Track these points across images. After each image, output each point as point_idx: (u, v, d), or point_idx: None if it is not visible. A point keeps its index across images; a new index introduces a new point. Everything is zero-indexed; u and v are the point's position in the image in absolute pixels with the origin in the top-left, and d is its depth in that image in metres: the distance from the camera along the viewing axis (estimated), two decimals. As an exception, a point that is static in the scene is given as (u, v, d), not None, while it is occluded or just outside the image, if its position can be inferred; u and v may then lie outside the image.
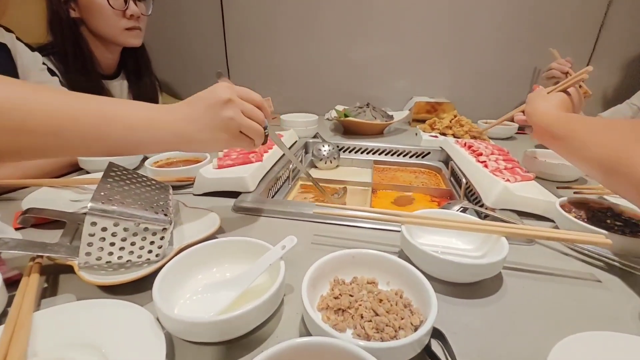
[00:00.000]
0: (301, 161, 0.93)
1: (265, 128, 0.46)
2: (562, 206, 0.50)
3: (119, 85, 0.89)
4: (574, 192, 0.59)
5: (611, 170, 0.38)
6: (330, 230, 0.51)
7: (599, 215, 0.48)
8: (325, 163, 0.92)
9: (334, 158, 0.92)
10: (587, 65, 0.98)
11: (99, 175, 0.39)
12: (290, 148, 0.90)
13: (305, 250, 0.46)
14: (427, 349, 0.30)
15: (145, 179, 0.44)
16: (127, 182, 0.41)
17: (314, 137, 1.06)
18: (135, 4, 0.81)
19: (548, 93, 0.65)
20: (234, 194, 0.61)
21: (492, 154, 0.71)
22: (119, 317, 0.31)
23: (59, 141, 0.34)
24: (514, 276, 0.42)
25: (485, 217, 0.56)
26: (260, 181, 0.66)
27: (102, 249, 0.35)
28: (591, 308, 0.36)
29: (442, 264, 0.37)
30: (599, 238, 0.38)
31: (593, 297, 0.38)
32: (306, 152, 0.99)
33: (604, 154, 0.39)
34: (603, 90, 1.29)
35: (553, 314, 0.36)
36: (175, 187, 0.65)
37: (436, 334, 0.31)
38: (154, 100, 1.00)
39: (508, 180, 0.59)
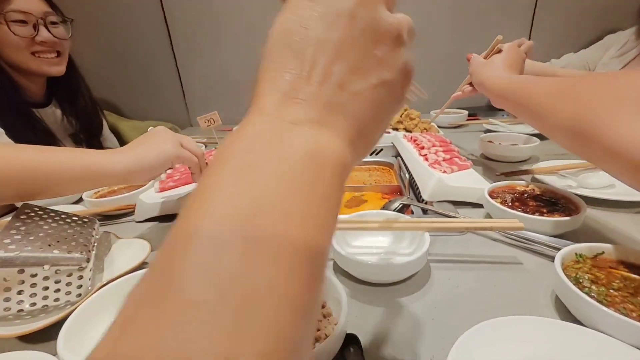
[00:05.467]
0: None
1: None
2: (489, 193, 0.51)
3: (52, 112, 0.85)
4: (505, 177, 0.61)
5: (579, 137, 0.35)
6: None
7: (522, 198, 0.50)
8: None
9: (289, 165, 0.92)
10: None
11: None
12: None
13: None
14: (343, 356, 0.31)
15: (64, 216, 0.43)
16: (41, 222, 0.39)
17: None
18: (48, 29, 0.76)
19: (485, 58, 0.63)
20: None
21: (434, 146, 0.72)
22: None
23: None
24: (442, 268, 0.43)
25: (425, 211, 0.58)
26: (206, 199, 0.65)
27: (9, 299, 0.34)
28: (509, 293, 0.38)
29: (362, 267, 0.38)
30: (513, 223, 0.40)
31: (512, 281, 0.40)
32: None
33: (568, 123, 0.36)
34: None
35: (472, 304, 0.37)
36: (116, 217, 0.63)
37: (352, 339, 0.32)
38: (96, 122, 0.97)
39: (445, 171, 0.61)
